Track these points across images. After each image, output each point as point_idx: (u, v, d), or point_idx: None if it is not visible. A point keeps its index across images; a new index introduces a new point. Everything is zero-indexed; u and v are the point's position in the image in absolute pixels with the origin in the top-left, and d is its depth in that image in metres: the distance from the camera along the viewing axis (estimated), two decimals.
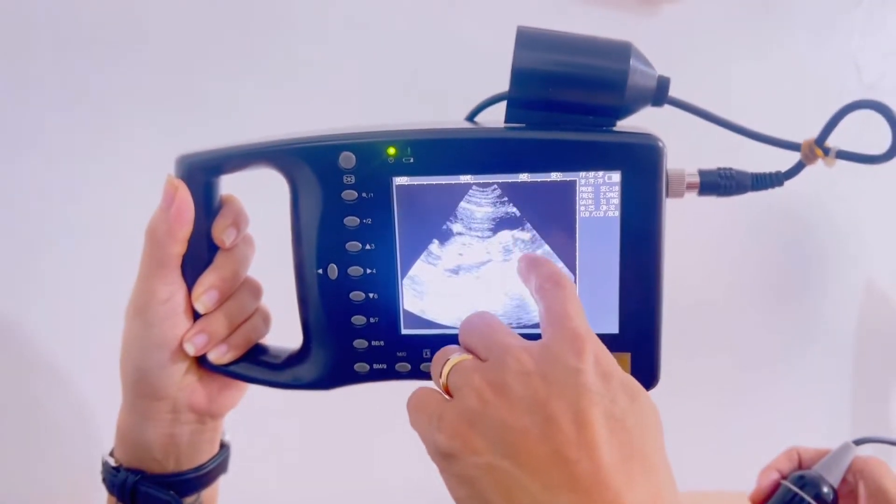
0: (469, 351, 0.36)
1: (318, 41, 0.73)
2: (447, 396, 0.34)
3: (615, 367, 0.33)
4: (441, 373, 0.35)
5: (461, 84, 0.67)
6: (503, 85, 0.42)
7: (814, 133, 0.42)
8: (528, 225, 0.40)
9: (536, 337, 0.36)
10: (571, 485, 0.29)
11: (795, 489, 0.57)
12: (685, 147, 0.44)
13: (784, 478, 0.59)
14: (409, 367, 0.42)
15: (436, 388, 0.36)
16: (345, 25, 0.73)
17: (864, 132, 0.42)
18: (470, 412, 0.32)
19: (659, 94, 0.39)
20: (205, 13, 0.68)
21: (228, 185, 0.44)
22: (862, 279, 0.96)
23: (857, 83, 0.90)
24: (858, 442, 0.60)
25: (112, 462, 0.45)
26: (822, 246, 0.94)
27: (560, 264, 0.40)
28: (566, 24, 0.40)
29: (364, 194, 0.40)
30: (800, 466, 0.61)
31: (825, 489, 0.56)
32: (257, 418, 0.57)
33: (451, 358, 0.35)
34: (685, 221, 0.44)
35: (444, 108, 0.57)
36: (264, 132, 0.42)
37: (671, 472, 0.31)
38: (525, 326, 0.41)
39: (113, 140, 0.66)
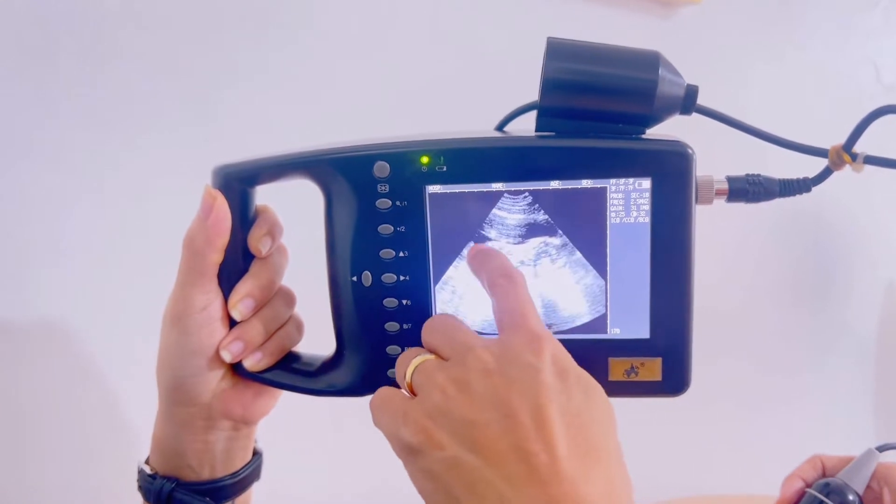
0: (432, 351, 0.37)
1: (336, 50, 0.73)
2: (411, 395, 0.36)
3: (571, 364, 0.34)
4: (406, 373, 0.36)
5: (479, 93, 0.68)
6: (523, 92, 0.43)
7: (834, 135, 0.42)
8: (560, 231, 0.40)
9: (580, 341, 0.39)
10: (531, 477, 0.30)
11: (821, 497, 0.57)
12: (710, 154, 0.45)
13: (808, 486, 0.59)
14: None
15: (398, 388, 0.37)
16: (362, 34, 0.74)
17: (886, 135, 0.42)
18: (433, 408, 0.33)
19: (687, 103, 0.40)
20: (221, 17, 0.68)
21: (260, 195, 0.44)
22: (884, 283, 0.95)
23: (875, 84, 0.90)
24: (882, 448, 0.60)
25: (148, 470, 0.45)
26: (844, 250, 0.94)
27: (591, 271, 0.41)
28: (583, 29, 0.40)
29: (398, 203, 0.41)
30: (824, 474, 0.61)
31: (850, 496, 0.56)
32: (288, 425, 0.57)
33: (415, 359, 0.37)
34: (706, 225, 0.44)
35: (461, 116, 0.57)
36: (283, 143, 0.43)
37: (624, 464, 0.33)
38: (560, 332, 0.41)
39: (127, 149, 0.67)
